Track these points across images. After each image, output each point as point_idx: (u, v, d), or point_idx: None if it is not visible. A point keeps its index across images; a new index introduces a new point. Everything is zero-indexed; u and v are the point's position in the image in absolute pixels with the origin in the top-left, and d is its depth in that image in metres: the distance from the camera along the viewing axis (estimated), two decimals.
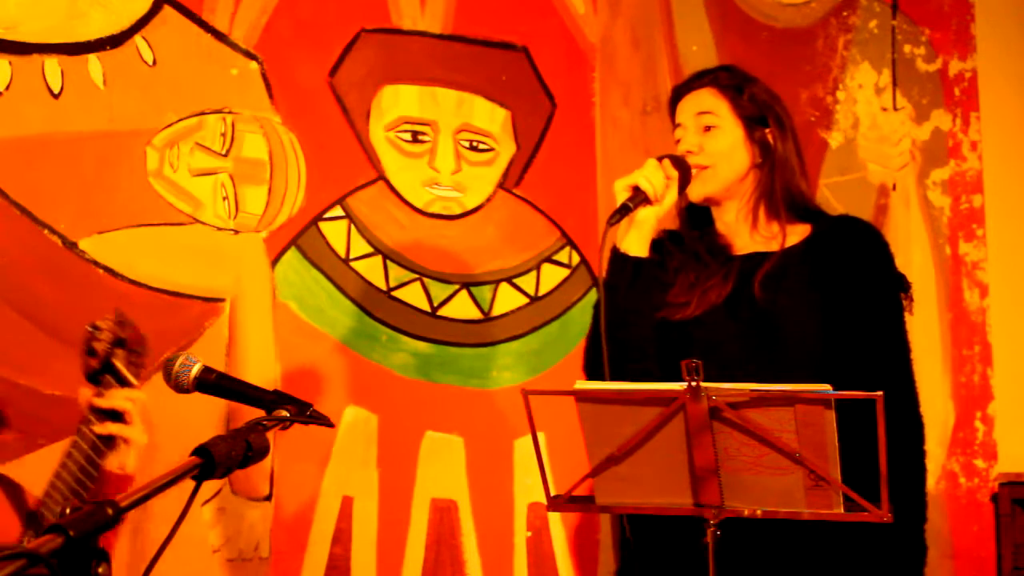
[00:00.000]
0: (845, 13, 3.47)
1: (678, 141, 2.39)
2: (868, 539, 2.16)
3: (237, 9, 2.83)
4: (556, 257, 3.14)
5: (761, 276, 2.29)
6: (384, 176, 2.98)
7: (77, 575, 1.20)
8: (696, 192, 2.36)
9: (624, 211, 2.26)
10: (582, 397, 1.86)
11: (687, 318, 2.30)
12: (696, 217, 2.43)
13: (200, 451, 1.53)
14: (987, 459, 3.37)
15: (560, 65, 3.19)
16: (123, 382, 2.13)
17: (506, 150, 3.11)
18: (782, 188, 2.36)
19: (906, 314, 2.34)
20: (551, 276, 3.13)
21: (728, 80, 2.39)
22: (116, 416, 2.07)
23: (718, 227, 2.40)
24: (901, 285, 2.35)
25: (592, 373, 2.30)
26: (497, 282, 3.07)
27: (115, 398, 2.07)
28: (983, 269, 3.44)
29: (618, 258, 2.30)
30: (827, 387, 1.78)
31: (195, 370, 1.99)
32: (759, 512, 1.87)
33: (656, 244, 2.40)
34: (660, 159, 2.30)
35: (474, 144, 3.07)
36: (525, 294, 3.10)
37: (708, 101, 2.37)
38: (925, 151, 3.47)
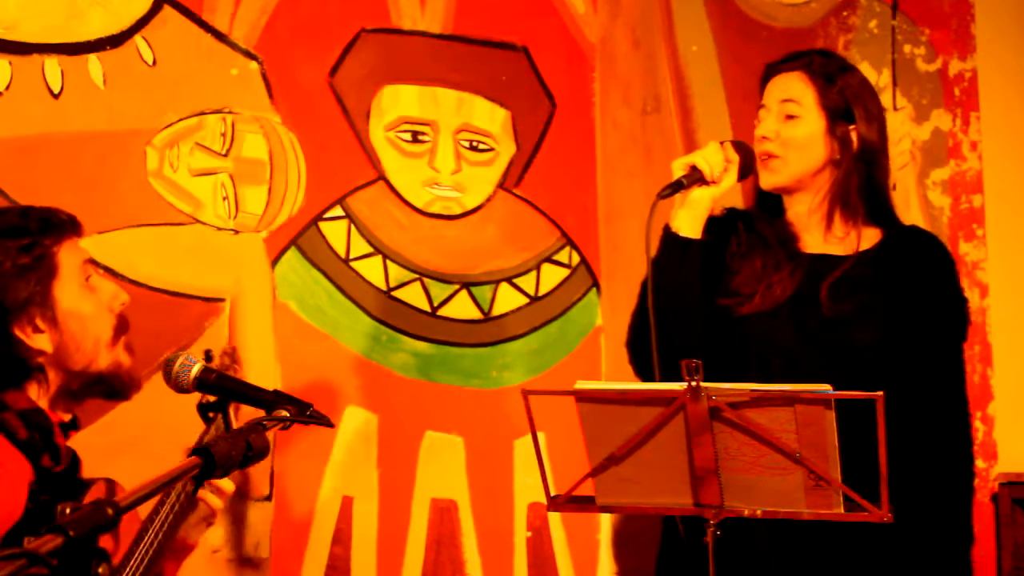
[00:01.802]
0: (845, 13, 3.47)
1: (759, 120, 2.34)
2: (914, 559, 2.14)
3: (237, 9, 2.83)
4: (556, 257, 3.14)
5: (831, 281, 2.24)
6: (384, 176, 2.98)
7: (77, 575, 1.20)
8: (765, 181, 2.30)
9: (677, 187, 2.20)
10: (582, 397, 1.86)
11: (751, 313, 2.26)
12: (769, 202, 2.37)
13: (200, 451, 1.53)
14: (987, 459, 3.36)
15: (560, 65, 3.19)
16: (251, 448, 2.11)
17: (506, 150, 3.11)
18: (863, 188, 2.29)
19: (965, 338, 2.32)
20: (551, 276, 3.13)
21: (821, 67, 2.30)
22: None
23: (788, 216, 2.35)
24: (963, 308, 2.31)
25: (637, 351, 2.26)
26: (497, 282, 3.07)
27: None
28: (983, 269, 3.43)
29: (668, 237, 2.24)
30: (827, 387, 1.78)
31: (195, 370, 2.00)
32: (759, 512, 1.87)
33: (721, 222, 2.35)
34: (723, 142, 2.26)
35: (474, 144, 3.07)
36: (525, 294, 3.10)
37: (795, 87, 2.30)
38: (925, 151, 3.46)
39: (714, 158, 2.22)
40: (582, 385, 1.89)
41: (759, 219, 2.35)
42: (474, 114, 3.08)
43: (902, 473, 1.93)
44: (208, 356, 2.13)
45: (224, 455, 1.55)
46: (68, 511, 1.22)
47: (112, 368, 2.00)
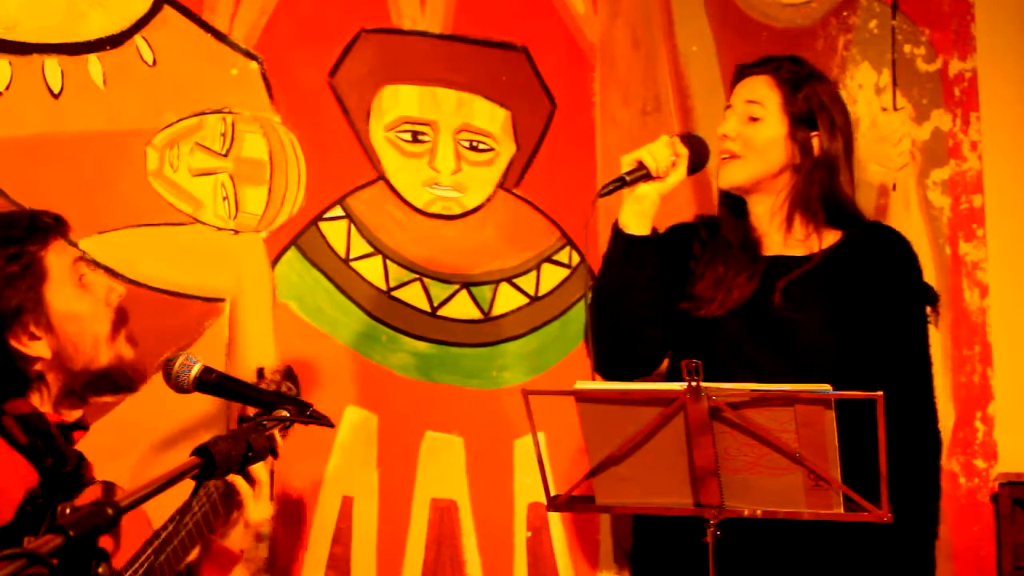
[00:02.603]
0: (845, 13, 3.47)
1: (724, 119, 2.36)
2: (877, 551, 2.15)
3: (237, 9, 2.83)
4: (556, 257, 3.14)
5: (784, 283, 2.25)
6: (384, 176, 2.98)
7: (77, 575, 1.20)
8: (724, 179, 2.32)
9: (619, 183, 2.21)
10: (582, 397, 1.86)
11: (709, 316, 2.27)
12: (733, 204, 2.38)
13: (200, 451, 1.53)
14: (987, 459, 3.36)
15: (560, 65, 3.19)
16: (273, 451, 2.12)
17: (506, 150, 3.11)
18: (821, 193, 2.30)
19: (929, 326, 2.32)
20: (551, 276, 3.13)
21: (789, 73, 2.33)
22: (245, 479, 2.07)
23: (751, 219, 2.36)
24: (927, 298, 2.32)
25: (591, 347, 2.27)
26: (497, 282, 3.07)
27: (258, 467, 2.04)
28: (983, 269, 3.44)
29: (615, 233, 2.26)
30: (827, 387, 1.78)
31: (195, 370, 2.00)
32: (759, 512, 1.87)
33: (690, 229, 2.36)
34: (672, 136, 2.27)
35: (474, 144, 3.07)
36: (525, 294, 3.09)
37: (761, 90, 2.32)
38: (925, 151, 3.46)
39: (661, 153, 2.22)
40: (582, 385, 1.89)
41: (725, 223, 2.36)
42: (474, 114, 3.08)
43: (870, 470, 1.93)
44: (260, 373, 2.15)
45: (224, 455, 1.55)
46: (68, 511, 1.22)
47: (115, 362, 2.00)
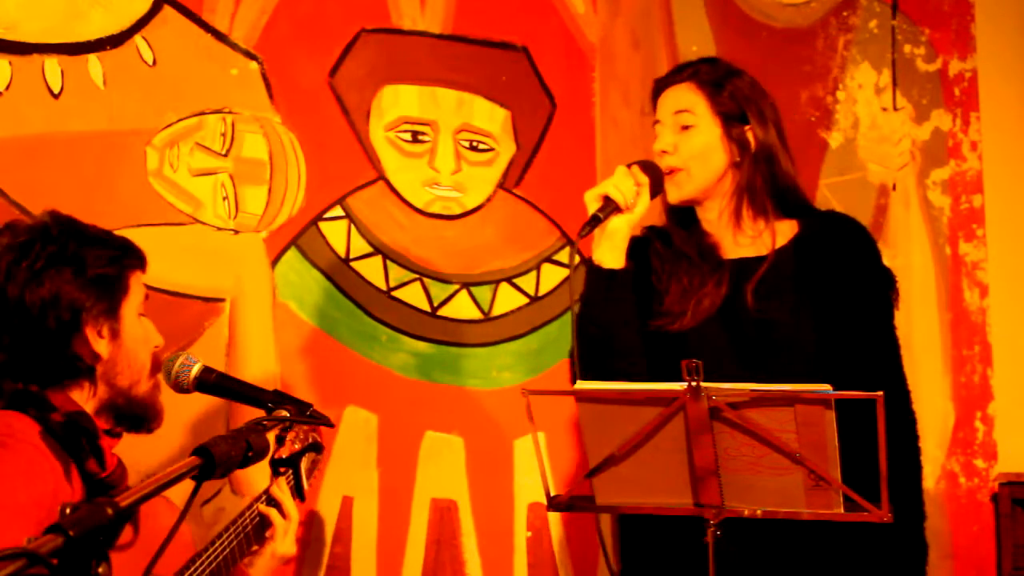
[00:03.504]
0: (845, 13, 3.47)
1: (657, 136, 2.33)
2: (868, 539, 2.15)
3: (237, 9, 2.83)
4: (556, 257, 3.14)
5: (753, 284, 2.25)
6: (384, 176, 2.98)
7: (77, 575, 1.20)
8: (673, 195, 2.30)
9: (594, 222, 2.20)
10: (582, 397, 1.86)
11: (683, 329, 2.27)
12: (681, 214, 2.37)
13: (200, 451, 1.53)
14: (987, 459, 3.36)
15: (560, 65, 3.19)
16: (299, 490, 2.20)
17: (506, 150, 3.11)
18: (765, 185, 2.30)
19: (895, 310, 2.32)
20: (551, 276, 3.13)
21: (708, 75, 2.32)
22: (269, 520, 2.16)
23: (704, 226, 2.36)
24: (889, 282, 2.32)
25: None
26: (497, 282, 3.07)
27: (286, 498, 2.16)
28: (983, 269, 3.44)
29: (592, 271, 2.25)
30: (827, 387, 1.78)
31: (195, 370, 2.00)
32: (759, 512, 1.87)
33: (643, 243, 2.36)
34: (630, 165, 2.25)
35: (474, 144, 3.07)
36: (525, 294, 3.10)
37: (686, 98, 2.31)
38: (925, 151, 3.46)
39: (624, 184, 2.21)
40: (582, 385, 1.89)
41: (676, 234, 2.35)
42: (474, 114, 3.08)
43: (851, 457, 1.93)
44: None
45: (224, 455, 1.55)
46: (68, 511, 1.22)
47: (148, 396, 2.06)
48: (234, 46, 2.82)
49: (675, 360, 2.19)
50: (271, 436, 1.97)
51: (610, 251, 2.24)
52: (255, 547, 2.16)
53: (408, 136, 3.00)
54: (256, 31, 2.85)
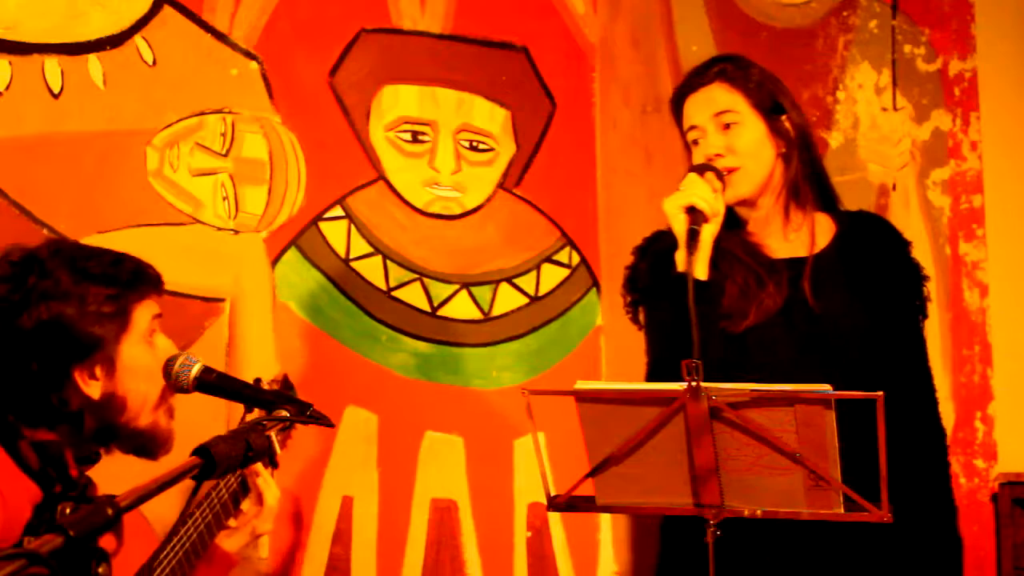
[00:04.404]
0: (845, 13, 3.47)
1: (695, 143, 2.30)
2: (906, 539, 2.14)
3: (237, 9, 2.83)
4: (556, 257, 3.14)
5: (809, 282, 2.24)
6: (384, 176, 2.98)
7: (77, 575, 1.20)
8: (730, 196, 2.25)
9: (693, 236, 2.13)
10: (582, 397, 1.86)
11: (741, 330, 2.24)
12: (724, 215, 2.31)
13: (200, 451, 1.53)
14: (987, 459, 3.36)
15: (560, 65, 3.19)
16: (272, 461, 2.16)
17: (506, 150, 3.11)
18: (807, 172, 2.30)
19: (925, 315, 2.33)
20: (551, 276, 3.13)
21: (736, 72, 2.29)
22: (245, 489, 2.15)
23: (749, 226, 2.33)
24: (921, 286, 2.32)
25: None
26: (497, 282, 3.07)
27: (268, 481, 2.15)
28: (983, 269, 3.44)
29: (695, 285, 2.19)
30: (827, 387, 1.78)
31: (195, 370, 1.99)
32: (759, 512, 1.87)
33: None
34: (700, 172, 2.20)
35: (474, 144, 3.07)
36: (525, 294, 3.10)
37: (722, 98, 2.28)
38: (925, 151, 3.47)
39: (707, 194, 2.17)
40: (582, 385, 1.89)
41: (722, 236, 2.31)
42: (474, 114, 3.08)
43: (870, 457, 1.93)
44: (257, 383, 2.16)
45: (224, 455, 1.55)
46: (68, 511, 1.21)
47: (150, 428, 1.97)
48: (234, 46, 2.82)
49: (735, 356, 2.18)
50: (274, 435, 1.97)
51: (703, 263, 2.19)
52: (231, 520, 2.14)
53: (408, 136, 3.00)
54: (256, 31, 2.85)
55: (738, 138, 2.27)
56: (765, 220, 2.31)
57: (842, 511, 1.84)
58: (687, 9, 3.34)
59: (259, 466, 2.13)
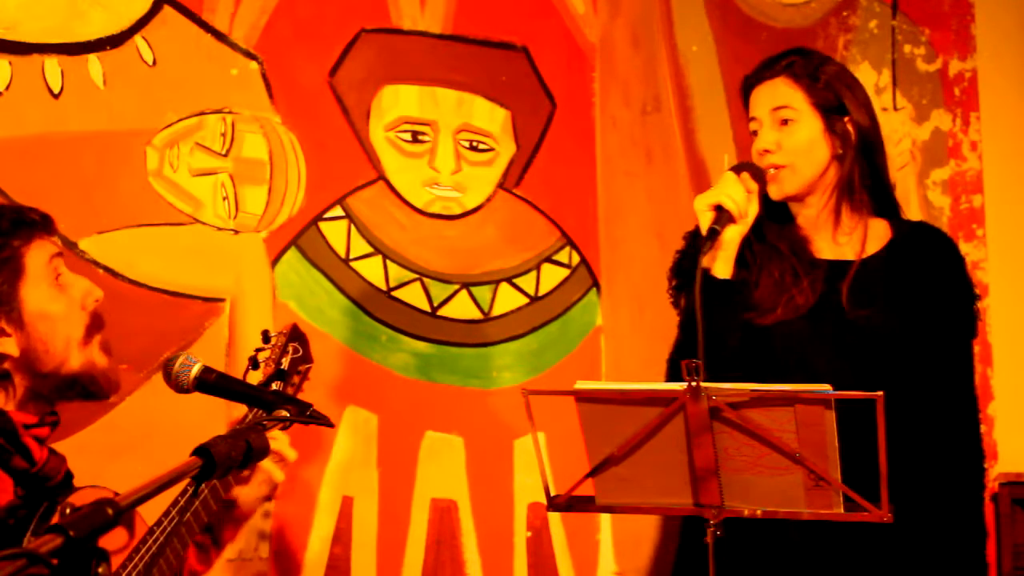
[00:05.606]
0: (845, 13, 3.47)
1: (754, 134, 2.29)
2: (933, 562, 2.15)
3: (237, 9, 2.83)
4: (556, 257, 3.14)
5: (848, 286, 2.22)
6: (384, 176, 2.98)
7: (77, 575, 1.20)
8: (775, 192, 2.25)
9: (713, 235, 2.13)
10: (582, 397, 1.86)
11: (773, 323, 2.22)
12: (775, 208, 2.31)
13: (200, 451, 1.53)
14: (987, 459, 3.36)
15: (560, 65, 3.19)
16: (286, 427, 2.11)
17: (506, 150, 3.11)
18: (866, 178, 2.27)
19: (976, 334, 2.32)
20: (551, 276, 3.13)
21: (803, 68, 2.26)
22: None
23: (799, 221, 2.31)
24: (974, 305, 2.30)
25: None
26: (497, 282, 3.07)
27: (283, 442, 2.07)
28: (983, 269, 3.44)
29: (710, 282, 2.17)
30: (827, 387, 1.78)
31: (195, 370, 1.99)
32: (759, 512, 1.87)
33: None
34: (738, 171, 2.19)
35: (474, 144, 3.07)
36: (525, 294, 3.10)
37: (783, 93, 2.25)
38: (925, 151, 3.46)
39: (739, 194, 2.15)
40: (582, 385, 1.89)
41: (770, 229, 2.30)
42: (474, 114, 3.08)
43: (915, 471, 1.94)
44: (265, 336, 2.15)
45: (224, 455, 1.55)
46: (68, 511, 1.22)
47: (86, 368, 1.93)
48: (234, 46, 2.82)
49: (761, 352, 2.18)
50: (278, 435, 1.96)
51: (725, 262, 2.19)
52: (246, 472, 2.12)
53: (408, 136, 3.00)
54: (256, 31, 2.85)
55: (791, 135, 2.24)
56: (815, 219, 2.29)
57: (842, 511, 1.84)
58: (687, 9, 3.34)
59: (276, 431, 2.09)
